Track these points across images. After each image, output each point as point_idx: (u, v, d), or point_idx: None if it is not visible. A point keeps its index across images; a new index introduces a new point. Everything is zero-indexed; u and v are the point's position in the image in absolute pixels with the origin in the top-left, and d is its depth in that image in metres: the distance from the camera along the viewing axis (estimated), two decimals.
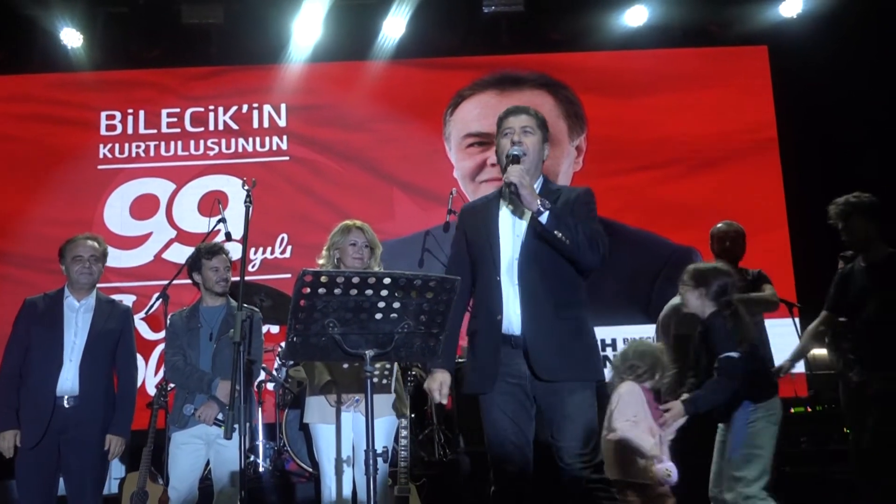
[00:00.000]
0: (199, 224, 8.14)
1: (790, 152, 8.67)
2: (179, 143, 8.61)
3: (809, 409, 6.92)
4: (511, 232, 3.62)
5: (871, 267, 5.06)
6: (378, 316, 3.02)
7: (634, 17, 8.67)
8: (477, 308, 3.70)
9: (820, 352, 6.26)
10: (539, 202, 3.41)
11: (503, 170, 3.56)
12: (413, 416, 5.78)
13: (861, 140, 8.20)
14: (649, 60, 8.86)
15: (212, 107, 8.71)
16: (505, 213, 3.68)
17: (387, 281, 2.95)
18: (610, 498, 3.43)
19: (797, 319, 6.09)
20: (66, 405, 4.51)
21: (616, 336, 8.00)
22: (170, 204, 8.49)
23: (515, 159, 3.54)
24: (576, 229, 3.40)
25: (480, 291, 3.66)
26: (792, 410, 6.63)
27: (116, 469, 6.22)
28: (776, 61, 8.94)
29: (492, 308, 3.58)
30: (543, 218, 3.42)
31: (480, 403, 3.63)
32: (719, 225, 5.95)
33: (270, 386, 6.91)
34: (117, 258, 7.99)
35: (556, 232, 3.40)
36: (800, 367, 5.36)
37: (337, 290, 2.92)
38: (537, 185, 3.63)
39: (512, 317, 3.53)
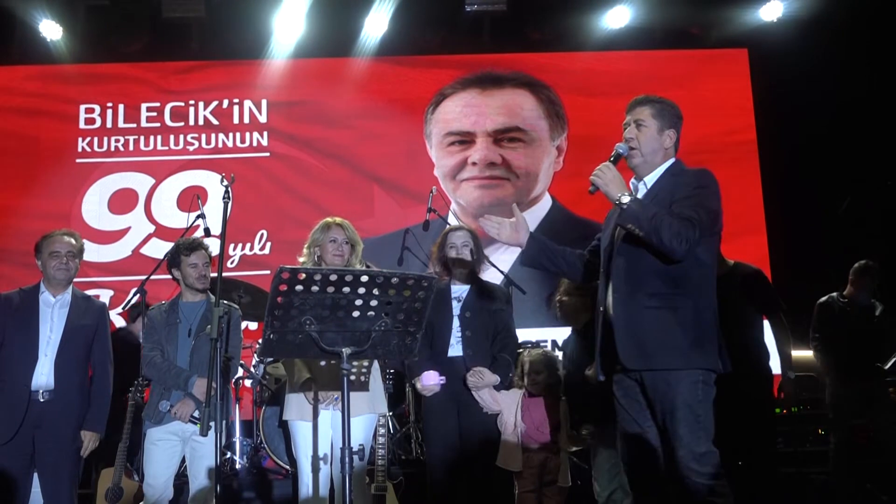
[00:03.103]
0: (177, 219, 8.12)
1: (769, 155, 8.73)
2: (159, 137, 8.56)
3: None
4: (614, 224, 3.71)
5: None
6: (355, 314, 3.02)
7: (616, 19, 8.70)
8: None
9: (797, 354, 6.32)
10: (620, 196, 3.47)
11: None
12: (391, 414, 5.78)
13: (839, 143, 8.26)
14: (630, 62, 8.89)
15: (192, 101, 8.67)
16: None
17: (364, 279, 2.95)
18: (710, 490, 3.39)
19: None
20: (41, 399, 4.48)
21: None
22: (149, 199, 8.44)
23: (617, 158, 3.63)
24: (652, 221, 3.39)
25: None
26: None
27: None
28: (756, 64, 9.01)
29: (599, 298, 3.72)
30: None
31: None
32: None
33: (248, 383, 6.89)
34: (95, 252, 7.95)
35: (628, 224, 3.46)
36: (776, 369, 5.38)
37: (314, 288, 2.92)
38: (659, 171, 3.67)
39: (609, 307, 3.62)
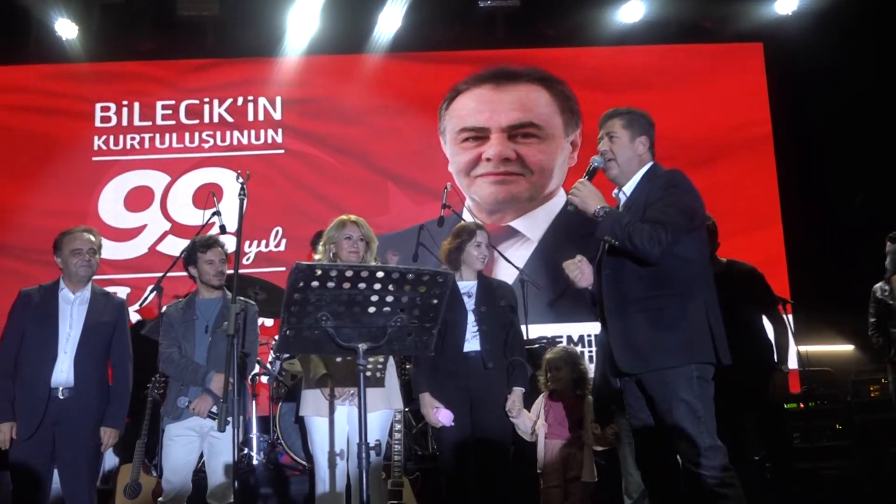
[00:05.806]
0: (193, 217, 8.15)
1: (784, 149, 8.69)
2: (174, 135, 8.60)
3: (802, 406, 6.95)
4: None
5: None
6: (371, 309, 3.02)
7: (630, 13, 8.68)
8: None
9: (813, 348, 6.29)
10: (595, 210, 3.63)
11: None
12: (407, 410, 5.80)
13: (855, 136, 8.22)
14: (644, 56, 8.87)
15: (207, 99, 8.70)
16: None
17: (380, 275, 2.96)
18: (720, 482, 3.43)
19: (790, 316, 6.12)
20: (60, 396, 4.49)
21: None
22: (164, 196, 8.48)
23: (593, 172, 3.81)
24: (625, 229, 3.51)
25: None
26: (785, 406, 6.66)
27: (110, 461, 6.24)
28: (771, 58, 8.96)
29: (599, 308, 3.82)
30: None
31: None
32: None
33: (265, 379, 6.91)
34: (112, 250, 7.98)
35: (605, 236, 3.60)
36: (793, 364, 5.38)
37: (330, 284, 2.93)
38: (636, 178, 3.78)
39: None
